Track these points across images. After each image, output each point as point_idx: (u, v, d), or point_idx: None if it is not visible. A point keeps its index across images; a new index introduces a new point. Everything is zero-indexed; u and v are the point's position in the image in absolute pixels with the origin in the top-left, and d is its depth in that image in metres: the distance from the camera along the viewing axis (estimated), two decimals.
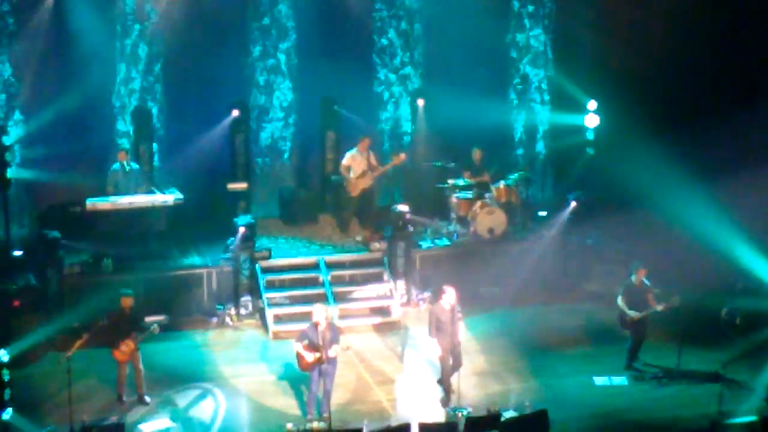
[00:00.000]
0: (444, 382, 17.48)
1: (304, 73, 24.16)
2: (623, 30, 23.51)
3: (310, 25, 23.98)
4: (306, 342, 16.55)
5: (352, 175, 22.36)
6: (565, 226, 22.17)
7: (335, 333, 16.75)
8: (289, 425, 16.58)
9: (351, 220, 22.89)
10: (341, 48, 23.96)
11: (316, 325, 16.53)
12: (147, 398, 17.39)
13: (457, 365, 17.47)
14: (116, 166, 21.24)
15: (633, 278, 18.47)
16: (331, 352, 16.49)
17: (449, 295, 17.15)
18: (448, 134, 23.63)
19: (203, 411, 17.34)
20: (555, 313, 21.21)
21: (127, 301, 17.27)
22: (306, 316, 17.24)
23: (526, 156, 25.27)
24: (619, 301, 18.46)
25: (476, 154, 22.92)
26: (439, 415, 17.10)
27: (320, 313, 16.65)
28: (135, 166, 21.48)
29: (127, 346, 17.14)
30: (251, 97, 23.98)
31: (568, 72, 24.12)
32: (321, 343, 16.42)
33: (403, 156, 22.86)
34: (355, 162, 22.39)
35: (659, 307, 18.22)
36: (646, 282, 18.47)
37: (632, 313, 18.29)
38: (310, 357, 16.49)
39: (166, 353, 18.96)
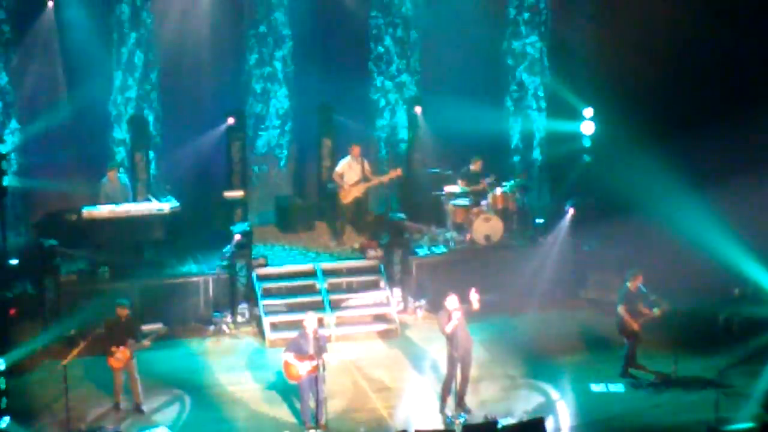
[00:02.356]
0: (444, 387, 17.45)
1: (301, 80, 24.16)
2: (619, 37, 23.52)
3: (307, 33, 23.99)
4: (294, 352, 16.59)
5: (345, 182, 22.39)
6: (565, 234, 22.18)
7: (324, 341, 16.83)
8: None
9: (345, 228, 22.91)
10: (337, 55, 23.97)
11: (307, 334, 16.58)
12: (143, 407, 17.36)
13: (465, 374, 17.45)
14: (105, 179, 21.36)
15: (629, 285, 18.47)
16: (333, 360, 16.53)
17: (451, 302, 17.16)
18: (444, 141, 23.64)
19: (200, 419, 17.32)
20: (552, 320, 21.22)
21: (123, 311, 17.27)
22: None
23: (522, 163, 25.26)
24: (620, 310, 18.43)
25: (476, 164, 22.89)
26: (436, 423, 17.08)
27: (313, 321, 16.71)
28: (124, 180, 21.53)
29: (122, 354, 17.13)
30: (248, 104, 23.97)
31: (564, 79, 24.13)
32: (314, 351, 16.45)
33: (399, 171, 22.91)
34: (349, 169, 22.43)
35: (657, 313, 18.25)
36: (643, 289, 18.48)
37: (636, 321, 18.28)
38: (307, 366, 16.50)
39: (163, 361, 18.94)
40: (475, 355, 19.18)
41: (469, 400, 17.53)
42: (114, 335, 17.24)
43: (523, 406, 17.43)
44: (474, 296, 17.22)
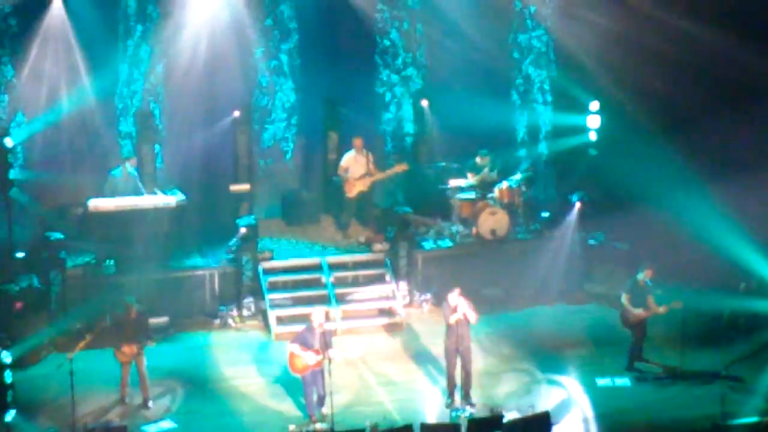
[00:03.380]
0: (448, 381, 17.48)
1: (307, 73, 24.15)
2: (625, 30, 23.46)
3: (313, 26, 23.95)
4: (301, 345, 16.61)
5: (350, 175, 22.38)
6: (571, 228, 22.18)
7: (330, 336, 16.86)
8: (292, 427, 16.62)
9: (350, 222, 22.91)
10: (343, 48, 23.96)
11: (314, 328, 16.59)
12: (150, 403, 17.39)
13: (467, 369, 17.46)
14: (117, 173, 21.27)
15: (640, 276, 18.50)
16: (338, 356, 16.54)
17: (453, 298, 17.19)
18: (450, 135, 23.64)
19: (205, 413, 17.35)
20: (558, 314, 21.24)
21: (132, 310, 17.29)
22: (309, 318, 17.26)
23: (528, 157, 25.22)
24: (623, 299, 18.53)
25: (482, 159, 22.82)
26: (442, 417, 17.09)
27: (320, 315, 16.72)
28: (134, 172, 21.52)
29: (129, 349, 17.17)
30: (253, 98, 23.95)
31: (570, 72, 24.09)
32: (321, 345, 16.47)
33: (405, 165, 22.90)
34: (354, 163, 22.43)
35: (660, 310, 18.29)
36: (649, 283, 18.50)
37: (637, 311, 18.33)
38: (313, 359, 16.51)
39: (169, 354, 18.99)
40: (480, 349, 19.25)
41: (475, 394, 17.54)
42: (123, 332, 17.26)
43: (528, 399, 17.42)
44: (459, 300, 17.22)
